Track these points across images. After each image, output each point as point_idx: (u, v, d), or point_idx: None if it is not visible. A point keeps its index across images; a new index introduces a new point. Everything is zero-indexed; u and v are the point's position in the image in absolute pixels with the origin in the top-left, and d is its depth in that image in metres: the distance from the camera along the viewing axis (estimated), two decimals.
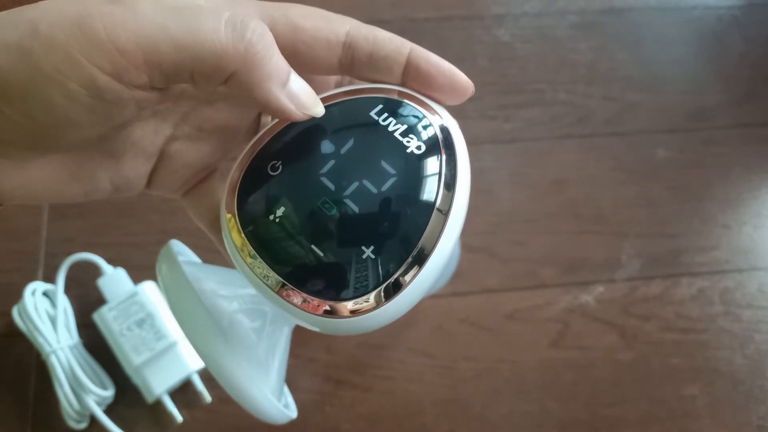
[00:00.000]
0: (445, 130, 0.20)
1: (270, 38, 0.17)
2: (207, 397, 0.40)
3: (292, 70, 0.18)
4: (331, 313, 0.18)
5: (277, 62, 0.17)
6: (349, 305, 0.18)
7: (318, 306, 0.18)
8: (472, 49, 0.53)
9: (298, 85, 0.18)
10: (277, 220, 0.19)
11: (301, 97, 0.18)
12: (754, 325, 0.45)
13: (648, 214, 0.48)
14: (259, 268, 0.19)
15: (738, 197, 0.49)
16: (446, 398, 0.42)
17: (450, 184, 0.19)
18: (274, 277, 0.19)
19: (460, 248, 0.45)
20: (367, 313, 0.18)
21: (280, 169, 0.19)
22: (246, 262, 0.19)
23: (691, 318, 0.45)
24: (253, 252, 0.19)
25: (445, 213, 0.19)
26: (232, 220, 0.19)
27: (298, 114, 0.18)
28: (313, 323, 0.19)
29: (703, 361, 0.43)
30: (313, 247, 0.18)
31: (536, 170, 0.49)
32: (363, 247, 0.18)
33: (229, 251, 0.20)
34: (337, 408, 0.41)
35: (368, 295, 0.18)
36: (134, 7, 0.16)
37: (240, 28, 0.16)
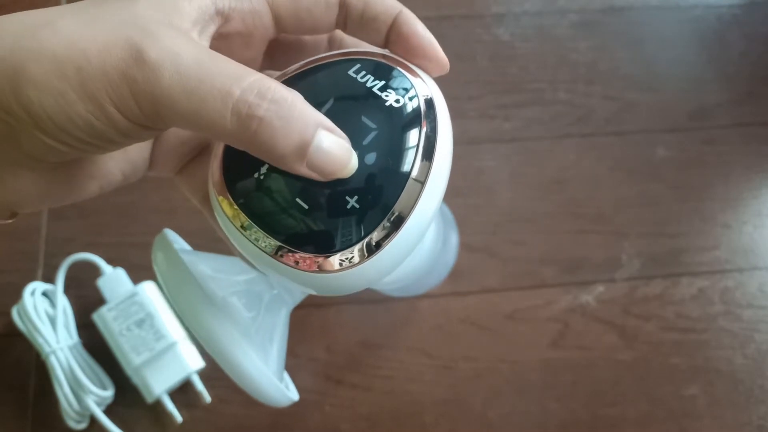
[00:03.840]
0: (425, 90, 0.20)
1: (284, 113, 0.16)
2: (207, 397, 0.40)
3: (319, 130, 0.17)
4: (320, 269, 0.19)
5: (289, 140, 0.16)
6: (336, 261, 0.18)
7: (308, 263, 0.19)
8: (472, 48, 0.53)
9: (322, 150, 0.17)
10: (262, 177, 0.19)
11: (324, 166, 0.17)
12: (755, 324, 0.45)
13: (648, 213, 0.48)
14: (253, 235, 0.19)
15: (738, 196, 0.49)
16: (446, 398, 0.42)
17: (430, 143, 0.19)
18: (269, 243, 0.19)
19: (458, 244, 0.45)
20: (351, 269, 0.18)
21: None
22: (240, 231, 0.19)
23: (692, 318, 0.45)
24: (246, 220, 0.19)
25: (428, 161, 0.19)
26: (221, 189, 0.20)
27: (322, 179, 0.18)
28: (306, 282, 0.19)
29: (703, 361, 0.43)
30: (299, 200, 0.18)
31: (536, 170, 0.49)
32: (347, 197, 0.18)
33: (221, 223, 0.20)
34: (337, 408, 0.41)
35: (352, 249, 0.18)
36: (154, 74, 0.16)
37: (245, 118, 0.16)
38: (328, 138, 0.17)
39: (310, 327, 0.42)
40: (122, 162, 0.21)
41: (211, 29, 0.18)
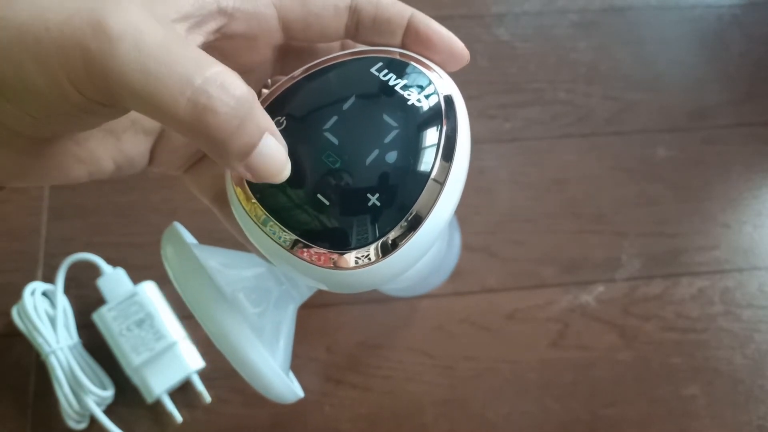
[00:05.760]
0: (445, 88, 0.20)
1: (242, 113, 0.16)
2: (207, 397, 0.40)
3: (265, 135, 0.17)
4: (335, 266, 0.19)
5: (240, 141, 0.16)
6: (351, 259, 0.18)
7: (324, 259, 0.19)
8: (472, 48, 0.52)
9: (263, 155, 0.17)
10: None
11: (261, 170, 0.17)
12: (754, 324, 0.45)
13: (648, 213, 0.48)
14: (271, 229, 0.19)
15: (738, 196, 0.49)
16: (446, 398, 0.42)
17: (450, 143, 0.19)
18: (286, 237, 0.19)
19: (460, 246, 0.45)
20: (366, 268, 0.19)
21: (284, 125, 0.20)
22: (258, 225, 0.19)
23: (691, 318, 0.45)
24: (263, 214, 0.19)
25: (448, 162, 0.19)
26: (239, 185, 0.20)
27: (254, 180, 0.18)
28: (320, 278, 0.19)
29: (703, 361, 0.43)
30: (319, 196, 0.19)
31: (536, 170, 0.49)
32: (368, 195, 0.18)
33: (238, 218, 0.20)
34: (337, 408, 0.41)
35: (368, 247, 0.18)
36: (110, 46, 0.15)
37: (201, 110, 0.15)
38: (271, 143, 0.17)
39: (311, 327, 0.42)
40: (114, 151, 0.21)
41: (211, 26, 0.18)
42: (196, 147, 0.23)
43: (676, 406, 0.42)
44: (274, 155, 0.17)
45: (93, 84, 0.15)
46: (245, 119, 0.16)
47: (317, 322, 0.43)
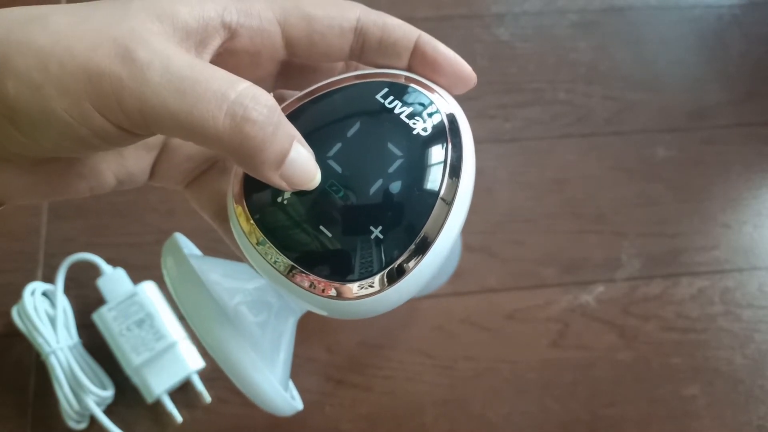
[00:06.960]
0: (450, 114, 0.20)
1: (275, 120, 0.17)
2: (207, 397, 0.40)
3: (294, 142, 0.18)
4: (338, 295, 0.18)
5: (274, 147, 0.17)
6: (355, 288, 0.18)
7: (324, 289, 0.18)
8: (472, 49, 0.53)
9: (296, 162, 0.18)
10: (285, 202, 0.19)
11: (296, 177, 0.18)
12: (755, 324, 0.45)
13: (648, 213, 0.48)
14: (267, 252, 0.19)
15: (738, 196, 0.49)
16: (446, 398, 0.42)
17: (456, 168, 0.19)
18: (283, 261, 0.19)
19: (461, 247, 0.45)
20: (371, 297, 0.18)
21: None
22: (254, 247, 0.19)
23: (691, 318, 0.45)
24: (261, 236, 0.19)
25: (455, 179, 0.19)
26: (240, 204, 0.19)
27: (290, 189, 0.18)
28: (320, 306, 0.19)
29: (703, 361, 0.43)
30: (321, 227, 0.18)
31: (536, 170, 0.49)
32: (372, 227, 0.18)
33: (236, 237, 0.20)
34: (337, 408, 0.41)
35: (373, 278, 0.18)
36: (142, 72, 0.15)
37: (240, 120, 0.16)
38: (301, 150, 0.18)
39: (311, 327, 0.42)
40: (116, 166, 0.21)
41: (216, 42, 0.18)
42: (197, 162, 0.23)
43: (676, 406, 0.42)
44: (305, 162, 0.18)
45: (124, 112, 0.16)
46: (278, 126, 0.17)
47: (317, 322, 0.43)
